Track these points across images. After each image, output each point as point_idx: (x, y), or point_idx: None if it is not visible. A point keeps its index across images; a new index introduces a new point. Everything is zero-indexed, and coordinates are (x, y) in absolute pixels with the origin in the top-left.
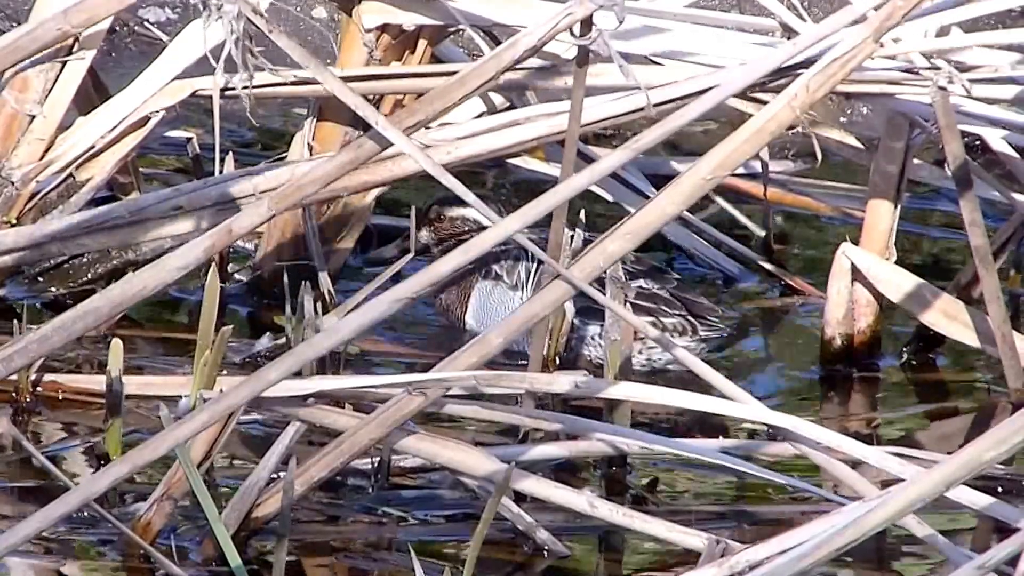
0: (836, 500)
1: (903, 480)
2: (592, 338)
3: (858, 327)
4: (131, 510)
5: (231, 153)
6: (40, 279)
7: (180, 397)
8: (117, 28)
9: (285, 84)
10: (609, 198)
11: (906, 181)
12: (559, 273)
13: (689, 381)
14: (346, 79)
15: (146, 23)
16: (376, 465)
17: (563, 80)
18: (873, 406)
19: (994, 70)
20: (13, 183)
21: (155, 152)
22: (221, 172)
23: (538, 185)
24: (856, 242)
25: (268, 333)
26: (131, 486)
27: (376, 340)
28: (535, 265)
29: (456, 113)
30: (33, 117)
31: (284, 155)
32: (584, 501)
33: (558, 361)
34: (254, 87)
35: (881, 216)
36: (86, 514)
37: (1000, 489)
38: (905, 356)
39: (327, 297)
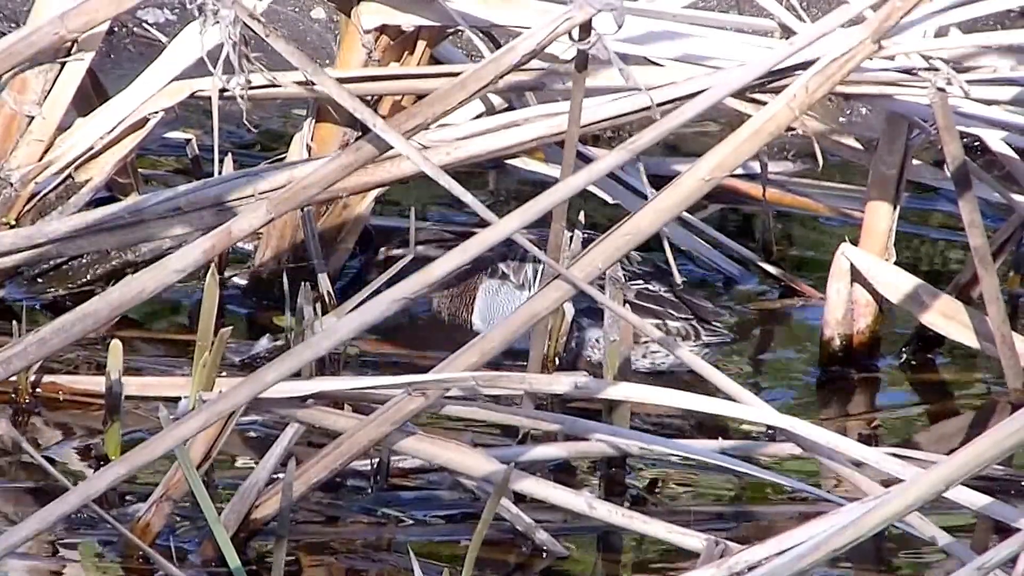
0: (835, 500)
1: (902, 480)
2: (597, 340)
3: (857, 328)
4: (130, 511)
5: (230, 154)
6: (39, 280)
7: (179, 398)
8: (116, 29)
9: (283, 86)
10: (608, 199)
11: (905, 182)
12: (559, 273)
13: (689, 382)
14: (345, 80)
15: (145, 24)
16: (375, 466)
17: (562, 82)
18: (872, 407)
19: (993, 71)
20: (12, 184)
21: (154, 153)
22: (220, 173)
23: (537, 186)
24: (855, 243)
25: (267, 334)
26: (130, 487)
27: (375, 341)
28: (542, 264)
29: (455, 114)
30: (32, 118)
31: (283, 156)
32: (583, 502)
33: (557, 362)
34: (253, 88)
35: (880, 217)
36: (85, 515)
37: (999, 489)
38: (904, 356)
39: (326, 298)
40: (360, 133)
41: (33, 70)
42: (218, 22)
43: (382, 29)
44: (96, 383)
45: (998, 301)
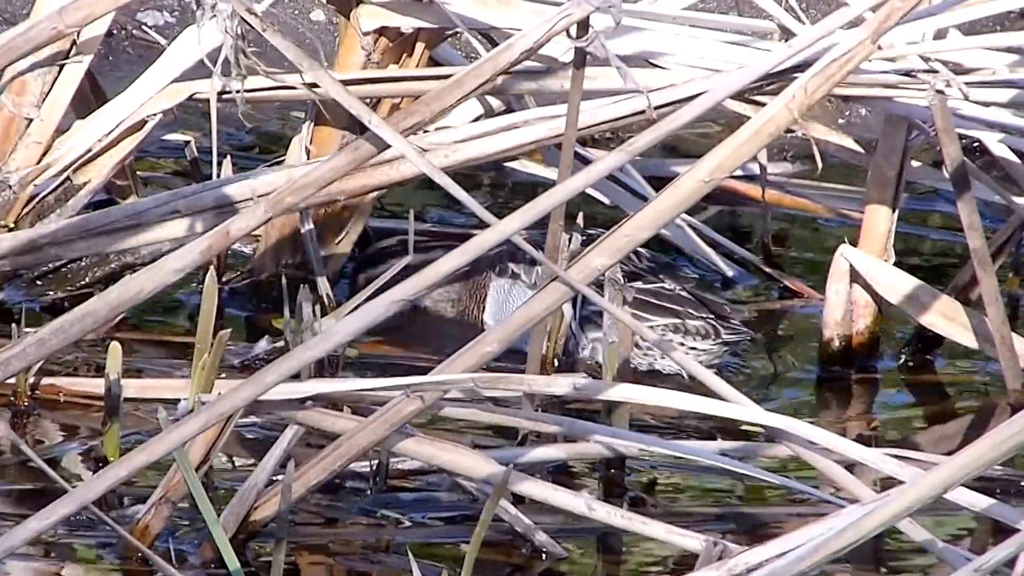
0: (835, 502)
1: (902, 482)
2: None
3: (856, 329)
4: (129, 513)
5: (229, 157)
6: (38, 282)
7: (178, 400)
8: (115, 31)
9: (282, 88)
10: (607, 201)
11: (904, 183)
12: (557, 275)
13: (688, 383)
14: (344, 82)
15: (144, 26)
16: (374, 468)
17: (560, 83)
18: (872, 407)
19: (992, 73)
20: (11, 186)
21: (153, 155)
22: (219, 176)
23: (536, 188)
24: (854, 244)
25: (266, 336)
26: (129, 489)
27: (374, 342)
28: None
29: (454, 116)
30: (30, 120)
31: (282, 159)
32: (582, 503)
33: (556, 363)
34: (252, 91)
35: (879, 218)
36: (84, 517)
37: (999, 490)
38: (904, 357)
39: (325, 300)
40: (359, 136)
41: (32, 72)
42: (216, 15)
43: (381, 31)
44: (95, 385)
45: (997, 302)
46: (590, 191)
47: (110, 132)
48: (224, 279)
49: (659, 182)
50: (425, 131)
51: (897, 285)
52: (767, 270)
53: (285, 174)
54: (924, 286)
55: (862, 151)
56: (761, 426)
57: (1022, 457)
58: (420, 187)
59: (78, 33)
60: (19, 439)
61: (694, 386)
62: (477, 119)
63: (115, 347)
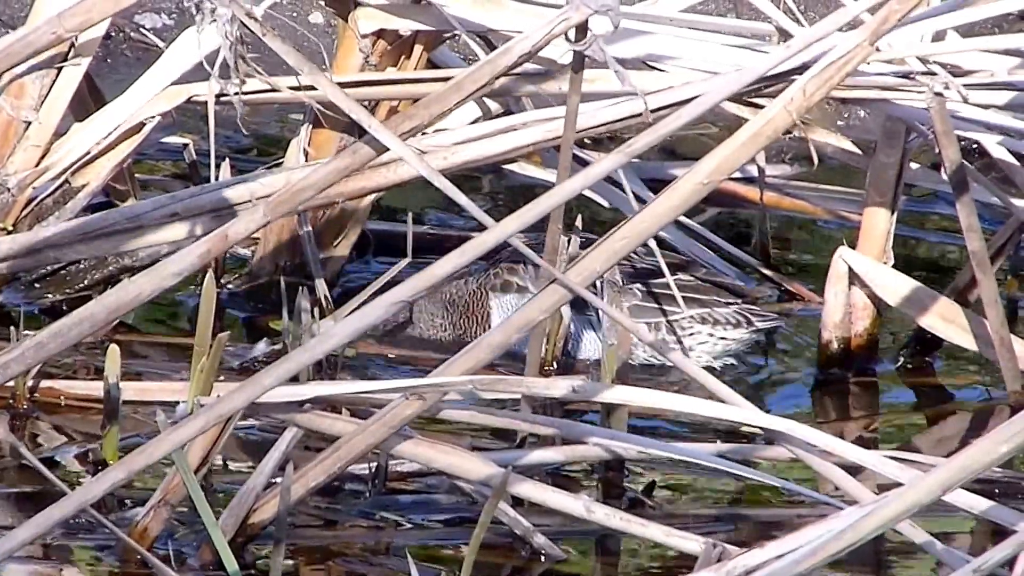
0: (834, 504)
1: (901, 484)
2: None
3: (855, 331)
4: (128, 515)
5: (227, 159)
6: (37, 285)
7: (177, 402)
8: (113, 34)
9: (280, 90)
10: (605, 203)
11: (903, 185)
12: (556, 277)
13: (688, 384)
14: (342, 85)
15: (142, 29)
16: (373, 470)
17: (558, 86)
18: (871, 410)
19: (990, 75)
20: (9, 189)
21: (151, 158)
22: (217, 178)
23: (534, 190)
24: (853, 246)
25: (265, 338)
26: (128, 491)
27: (373, 344)
28: None
29: (452, 119)
30: (29, 123)
31: (280, 161)
32: (581, 505)
33: (555, 365)
34: (251, 93)
35: (878, 220)
36: (83, 519)
37: (998, 492)
38: (902, 360)
39: (323, 302)
40: (357, 138)
41: (30, 75)
42: (215, 20)
43: (379, 34)
44: (94, 388)
45: (996, 304)
46: (588, 193)
47: (108, 135)
48: (223, 281)
49: (658, 184)
50: (423, 133)
51: (896, 287)
52: (766, 272)
53: (284, 177)
54: (923, 288)
55: (861, 153)
56: (760, 428)
57: (1021, 459)
58: (419, 189)
59: (76, 36)
60: (18, 442)
61: (693, 388)
62: (475, 121)
63: (114, 350)
